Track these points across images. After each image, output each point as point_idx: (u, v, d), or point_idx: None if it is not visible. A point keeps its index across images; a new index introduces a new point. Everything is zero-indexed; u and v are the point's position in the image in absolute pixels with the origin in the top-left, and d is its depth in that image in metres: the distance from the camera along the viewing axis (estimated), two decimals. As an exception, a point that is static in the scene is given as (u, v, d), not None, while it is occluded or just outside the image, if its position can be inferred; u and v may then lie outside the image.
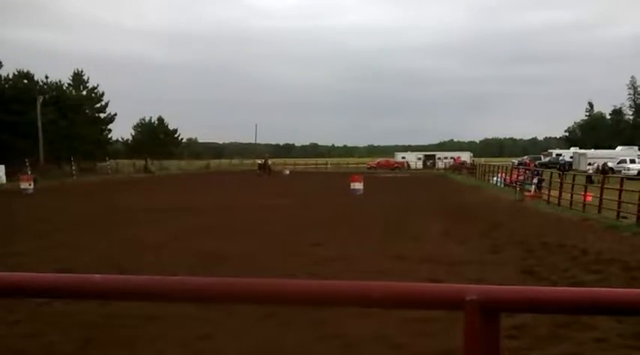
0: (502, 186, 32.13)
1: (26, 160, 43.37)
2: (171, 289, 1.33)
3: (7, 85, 51.34)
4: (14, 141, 47.38)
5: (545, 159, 61.85)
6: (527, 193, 24.62)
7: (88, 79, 62.09)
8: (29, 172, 37.11)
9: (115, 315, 5.87)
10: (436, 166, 79.14)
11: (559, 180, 22.57)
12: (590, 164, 47.83)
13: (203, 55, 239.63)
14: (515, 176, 30.72)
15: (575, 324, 5.69)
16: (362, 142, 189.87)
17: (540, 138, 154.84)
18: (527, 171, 30.24)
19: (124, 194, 28.60)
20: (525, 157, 66.53)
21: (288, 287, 1.28)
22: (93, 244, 11.78)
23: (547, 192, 22.43)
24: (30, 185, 30.40)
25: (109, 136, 65.65)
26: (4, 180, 39.99)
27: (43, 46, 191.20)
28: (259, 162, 56.59)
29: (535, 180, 26.22)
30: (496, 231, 13.50)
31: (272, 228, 14.49)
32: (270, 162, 58.12)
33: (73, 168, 49.54)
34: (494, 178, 36.00)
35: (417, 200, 23.81)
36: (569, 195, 19.82)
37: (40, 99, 48.91)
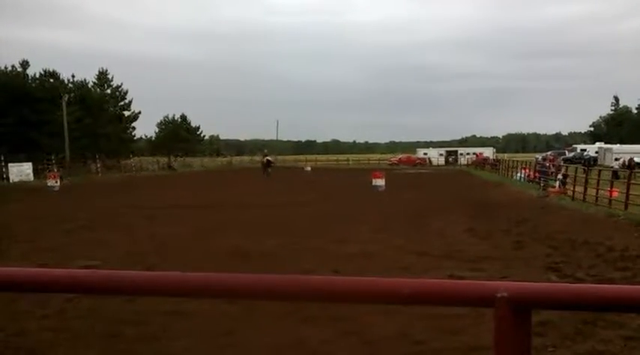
0: (526, 181, 31.76)
1: (52, 158, 44.15)
2: (196, 285, 1.35)
3: (34, 85, 52.24)
4: (41, 139, 48.26)
5: (569, 155, 60.95)
6: (551, 189, 24.30)
7: (113, 77, 62.92)
8: (55, 170, 37.79)
9: (141, 311, 5.96)
10: (458, 162, 78.48)
11: (584, 176, 22.23)
12: (616, 159, 46.99)
13: (223, 53, 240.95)
14: (539, 171, 30.34)
15: (602, 321, 5.61)
16: (383, 139, 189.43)
17: (564, 133, 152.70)
18: (551, 167, 29.84)
19: (148, 191, 28.93)
20: (549, 152, 65.63)
21: (314, 284, 1.29)
22: (118, 240, 11.95)
23: (572, 188, 22.11)
24: (56, 182, 30.94)
25: (133, 134, 66.47)
26: (31, 177, 40.75)
27: (68, 45, 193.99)
28: (261, 159, 47.13)
29: (559, 176, 25.86)
30: (520, 228, 13.36)
31: (294, 224, 14.53)
32: (272, 158, 48.43)
33: (98, 165, 50.31)
34: (518, 174, 35.60)
35: (439, 196, 23.66)
36: (595, 190, 19.51)
37: (66, 98, 49.67)
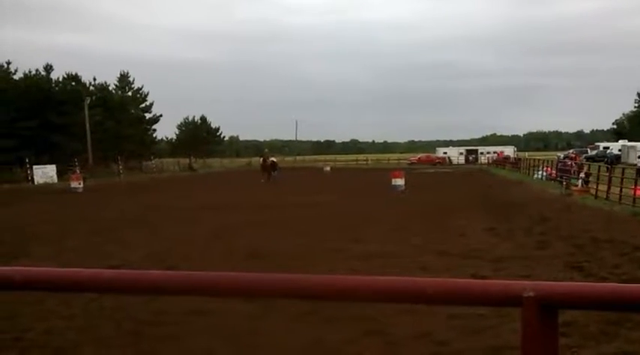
0: (547, 180, 31.40)
1: (76, 160, 44.81)
2: (218, 284, 1.37)
3: (57, 88, 53.06)
4: (64, 141, 49.02)
5: (592, 153, 60.12)
6: (574, 188, 24.00)
7: (134, 80, 63.64)
8: (78, 171, 38.33)
9: (164, 311, 6.03)
10: (479, 161, 77.86)
11: (607, 174, 21.91)
12: (639, 157, 46.24)
13: (242, 53, 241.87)
14: (561, 170, 29.97)
15: (627, 322, 5.53)
16: (402, 138, 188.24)
17: (587, 130, 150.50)
18: (573, 165, 29.46)
19: (169, 192, 29.20)
20: (571, 151, 64.78)
21: (336, 283, 1.30)
22: (140, 241, 12.08)
23: (595, 187, 21.81)
24: (80, 184, 31.39)
25: (154, 136, 67.24)
26: (55, 179, 41.41)
27: (88, 49, 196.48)
28: (261, 161, 38.88)
29: (582, 174, 25.53)
30: (542, 227, 13.21)
31: (313, 224, 14.55)
32: (273, 159, 39.74)
33: (120, 167, 50.89)
34: (539, 172, 35.20)
35: (459, 195, 23.51)
36: (618, 189, 19.22)
37: (88, 100, 50.39)
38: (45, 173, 42.11)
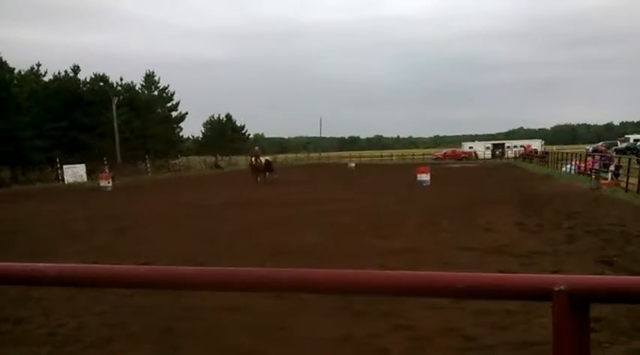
0: (576, 174, 30.89)
1: (104, 159, 45.56)
2: (245, 280, 1.39)
3: (85, 88, 53.94)
4: (93, 141, 49.85)
5: (621, 145, 58.86)
6: (603, 181, 23.57)
7: (159, 79, 64.30)
8: (107, 170, 38.97)
9: (194, 307, 6.11)
10: (505, 155, 76.98)
11: (638, 167, 21.46)
12: (672, 149, 45.14)
13: (265, 51, 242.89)
14: (590, 163, 29.46)
15: (661, 317, 5.44)
16: (427, 133, 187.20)
17: (616, 123, 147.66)
18: (602, 158, 28.94)
19: (196, 189, 29.48)
20: (600, 143, 63.59)
21: (366, 278, 1.30)
22: (169, 238, 12.24)
23: (625, 180, 21.38)
24: (108, 182, 31.92)
25: (181, 134, 67.89)
26: (85, 178, 42.19)
27: (114, 49, 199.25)
28: (252, 160, 33.47)
29: (612, 167, 25.05)
30: (571, 221, 13.01)
31: (339, 220, 14.56)
32: (267, 158, 35.49)
33: (148, 165, 51.57)
34: (568, 166, 34.66)
35: (486, 190, 23.28)
36: (650, 182, 18.81)
37: (115, 100, 51.13)
38: (75, 172, 42.92)
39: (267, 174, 32.52)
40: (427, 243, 10.65)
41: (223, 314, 5.94)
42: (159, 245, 11.36)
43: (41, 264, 1.55)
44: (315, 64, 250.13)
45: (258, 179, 31.59)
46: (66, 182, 41.03)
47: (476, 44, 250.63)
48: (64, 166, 43.12)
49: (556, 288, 1.06)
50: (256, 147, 35.87)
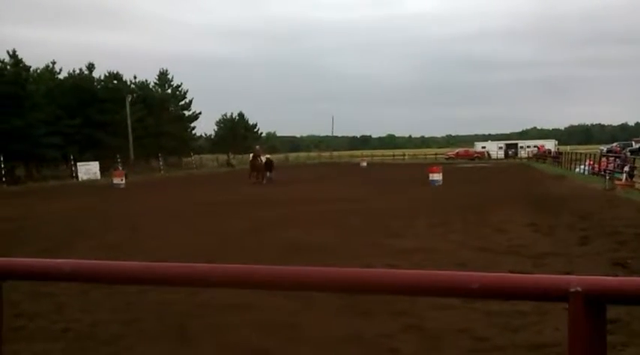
0: (590, 174, 30.64)
1: (118, 157, 45.90)
2: (261, 277, 1.40)
3: (99, 86, 54.33)
4: (106, 138, 50.21)
5: (636, 146, 58.25)
6: (617, 182, 23.35)
7: (173, 77, 64.61)
8: (120, 168, 39.26)
9: (206, 304, 6.13)
10: (518, 155, 76.50)
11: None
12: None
13: (277, 49, 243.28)
14: (605, 164, 29.21)
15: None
16: (439, 132, 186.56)
17: (631, 123, 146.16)
18: (617, 159, 28.67)
19: (208, 187, 29.60)
20: (615, 144, 62.98)
21: (379, 277, 1.30)
22: (181, 236, 12.30)
23: (640, 181, 21.19)
24: (122, 180, 32.15)
25: (193, 132, 68.17)
26: (98, 175, 42.52)
27: (129, 47, 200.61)
28: (252, 158, 31.68)
29: (626, 168, 24.81)
30: (585, 222, 12.90)
31: (350, 218, 14.56)
32: (268, 156, 33.40)
33: (161, 163, 51.88)
34: (582, 166, 34.39)
35: (499, 190, 23.15)
36: (666, 183, 18.63)
37: (129, 98, 51.45)
38: (88, 170, 43.26)
39: (268, 173, 31.16)
40: (439, 243, 10.62)
41: (234, 312, 5.96)
42: (171, 242, 11.41)
43: (56, 260, 1.56)
44: (327, 63, 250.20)
45: (258, 179, 30.04)
46: (80, 179, 41.37)
47: (490, 42, 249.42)
48: (78, 163, 43.49)
49: (572, 289, 1.05)
50: (257, 146, 34.13)
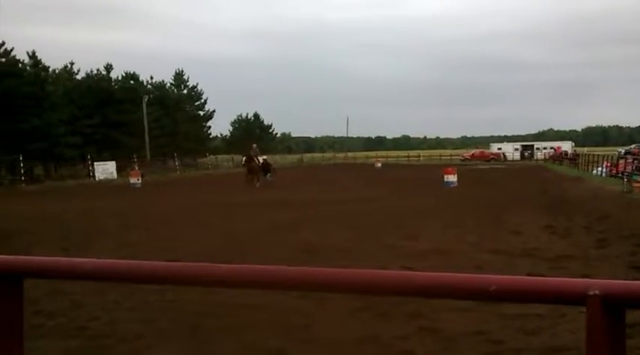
0: (607, 176, 30.30)
1: (134, 156, 46.27)
2: (282, 277, 1.41)
3: (116, 86, 54.83)
4: (123, 138, 50.65)
5: (656, 148, 57.49)
6: (635, 184, 23.05)
7: (188, 78, 64.97)
8: (137, 168, 39.59)
9: (221, 304, 6.16)
10: (534, 157, 75.85)
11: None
12: None
13: (293, 50, 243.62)
14: (622, 166, 28.86)
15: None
16: (455, 134, 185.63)
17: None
18: (635, 161, 28.32)
19: (224, 187, 29.70)
20: (633, 146, 62.15)
21: (395, 279, 1.31)
22: (197, 236, 12.37)
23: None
24: (138, 180, 32.41)
25: (209, 133, 68.48)
26: (115, 175, 42.91)
27: (145, 48, 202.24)
28: (247, 159, 29.42)
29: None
30: (602, 225, 12.76)
31: (365, 220, 14.54)
32: (265, 157, 31.68)
33: (177, 163, 52.20)
34: (599, 168, 34.01)
35: (515, 192, 22.97)
36: (686, 186, 18.36)
37: (146, 98, 51.86)
38: (105, 169, 43.68)
39: (268, 175, 29.91)
40: (454, 245, 10.57)
41: (249, 312, 5.99)
42: (187, 242, 11.49)
43: (77, 259, 1.59)
44: (343, 64, 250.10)
45: (254, 182, 28.16)
46: (97, 179, 41.78)
47: (506, 43, 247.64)
48: (95, 163, 43.93)
49: (590, 293, 1.05)
50: (254, 145, 31.24)
